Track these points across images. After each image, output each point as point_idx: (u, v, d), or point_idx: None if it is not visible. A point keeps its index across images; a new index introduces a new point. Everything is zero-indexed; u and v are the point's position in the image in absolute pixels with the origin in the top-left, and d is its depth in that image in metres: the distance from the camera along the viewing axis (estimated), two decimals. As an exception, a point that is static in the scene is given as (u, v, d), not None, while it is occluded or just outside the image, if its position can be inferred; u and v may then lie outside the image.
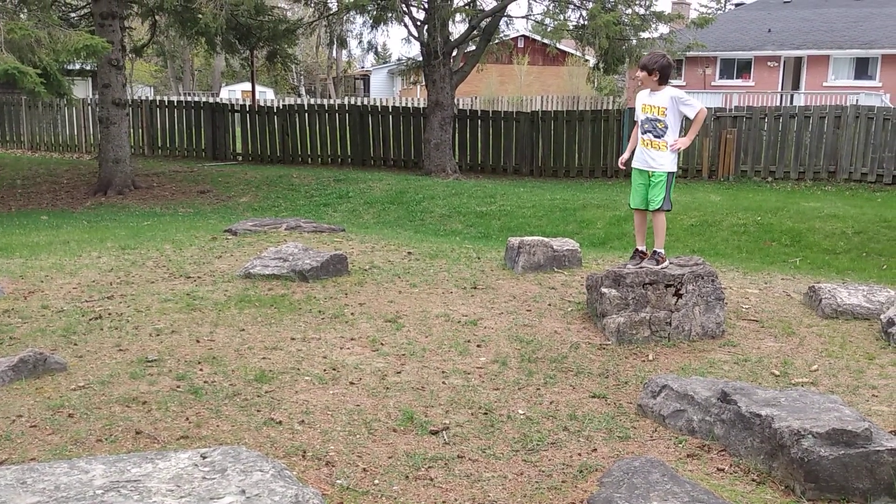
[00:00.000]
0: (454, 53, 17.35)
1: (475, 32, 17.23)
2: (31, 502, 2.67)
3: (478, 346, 5.08)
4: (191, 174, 17.11)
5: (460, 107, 20.31)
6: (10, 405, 3.82)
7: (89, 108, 21.46)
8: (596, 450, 3.69)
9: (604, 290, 5.35)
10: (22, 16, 12.88)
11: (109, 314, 5.44)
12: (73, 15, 18.16)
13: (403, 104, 23.36)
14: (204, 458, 3.02)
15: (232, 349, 4.78)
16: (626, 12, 16.24)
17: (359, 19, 17.63)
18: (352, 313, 5.66)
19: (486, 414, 4.05)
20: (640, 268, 5.42)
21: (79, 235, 9.21)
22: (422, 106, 19.73)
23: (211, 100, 25.97)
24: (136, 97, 23.61)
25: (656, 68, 5.38)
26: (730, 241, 10.62)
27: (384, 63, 49.31)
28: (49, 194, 15.37)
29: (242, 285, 6.30)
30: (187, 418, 3.75)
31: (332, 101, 27.56)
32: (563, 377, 4.61)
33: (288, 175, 16.47)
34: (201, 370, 4.40)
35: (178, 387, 4.13)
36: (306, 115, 19.50)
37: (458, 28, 17.90)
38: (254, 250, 7.72)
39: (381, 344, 5.03)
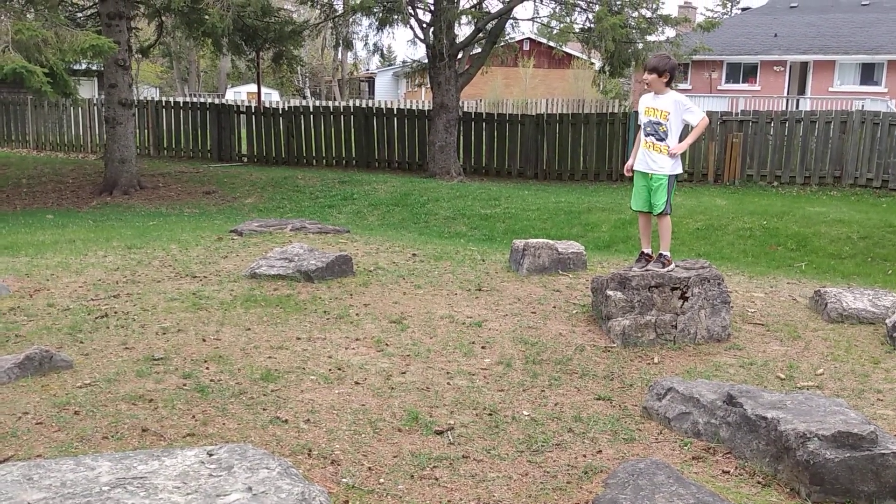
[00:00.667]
0: (460, 56, 17.37)
1: (481, 35, 17.25)
2: (37, 498, 2.67)
3: (482, 347, 5.08)
4: (196, 175, 17.15)
5: (465, 109, 20.33)
6: (15, 402, 3.83)
7: (95, 108, 21.52)
8: (601, 451, 3.68)
9: (609, 292, 5.35)
10: (29, 16, 12.92)
11: (116, 313, 5.45)
12: (79, 15, 18.22)
13: (408, 106, 23.38)
14: (210, 455, 3.03)
15: (238, 348, 4.79)
16: (633, 15, 16.25)
17: (365, 21, 17.68)
18: (357, 314, 5.66)
19: (490, 415, 4.05)
20: (646, 270, 5.42)
21: (84, 234, 9.23)
22: (427, 108, 19.75)
23: (216, 101, 26.04)
24: (141, 98, 23.67)
25: (667, 70, 5.38)
26: (735, 245, 10.61)
27: (389, 65, 49.36)
28: (54, 194, 15.41)
29: (248, 285, 6.31)
30: (193, 416, 3.76)
31: (337, 103, 27.60)
32: (568, 379, 4.61)
33: (293, 176, 16.50)
34: (207, 369, 4.41)
35: (185, 385, 4.13)
36: (311, 116, 19.53)
37: (463, 30, 17.96)
38: (259, 251, 7.73)
39: (386, 344, 5.03)
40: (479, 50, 17.86)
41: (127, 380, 4.18)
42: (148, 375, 4.25)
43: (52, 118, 22.26)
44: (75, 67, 17.53)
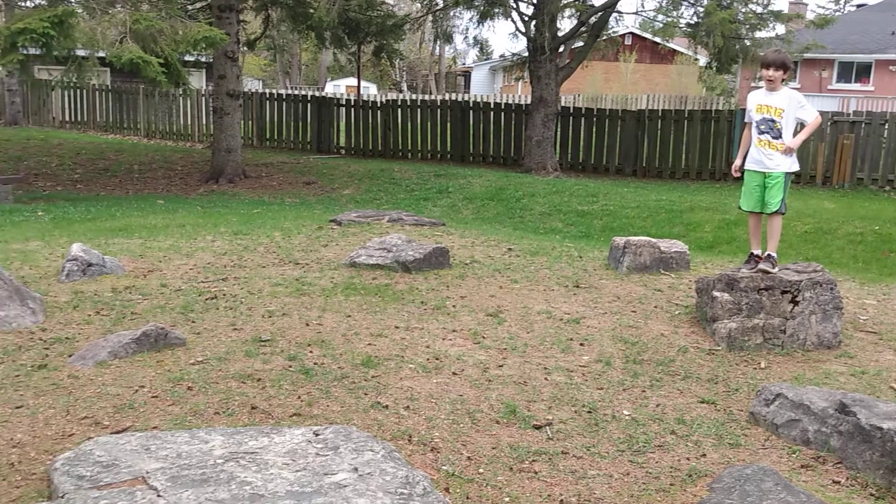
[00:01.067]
0: (561, 49, 17.19)
1: (583, 28, 17.03)
2: (154, 468, 2.80)
3: (581, 344, 5.03)
4: (297, 165, 17.58)
5: (563, 104, 20.14)
6: (133, 376, 4.02)
7: (203, 98, 22.33)
8: (705, 455, 3.60)
9: (716, 293, 5.21)
10: (144, 7, 13.48)
11: (224, 295, 5.65)
12: (190, 7, 18.91)
13: (505, 101, 23.34)
14: (317, 435, 3.11)
15: (339, 334, 4.89)
16: (743, 10, 15.73)
17: (466, 14, 17.75)
18: (453, 306, 5.69)
19: (589, 412, 4.00)
20: (756, 272, 5.25)
21: (193, 220, 9.59)
22: (523, 102, 19.66)
23: (317, 94, 26.62)
24: (246, 90, 24.42)
25: (790, 66, 5.28)
26: (845, 251, 10.15)
27: (486, 60, 49.44)
28: (164, 180, 16.07)
29: (348, 273, 6.44)
30: (299, 397, 3.86)
31: (433, 97, 27.78)
32: (670, 380, 4.51)
33: (389, 169, 16.70)
34: (311, 352, 4.52)
35: (290, 366, 4.25)
36: (408, 110, 19.72)
37: (566, 23, 17.76)
38: (358, 240, 7.87)
39: (483, 337, 5.04)
40: (581, 44, 17.63)
41: (236, 359, 4.33)
42: (256, 356, 4.39)
43: (162, 108, 23.21)
44: (185, 59, 18.24)
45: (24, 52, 10.88)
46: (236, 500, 2.52)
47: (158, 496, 2.54)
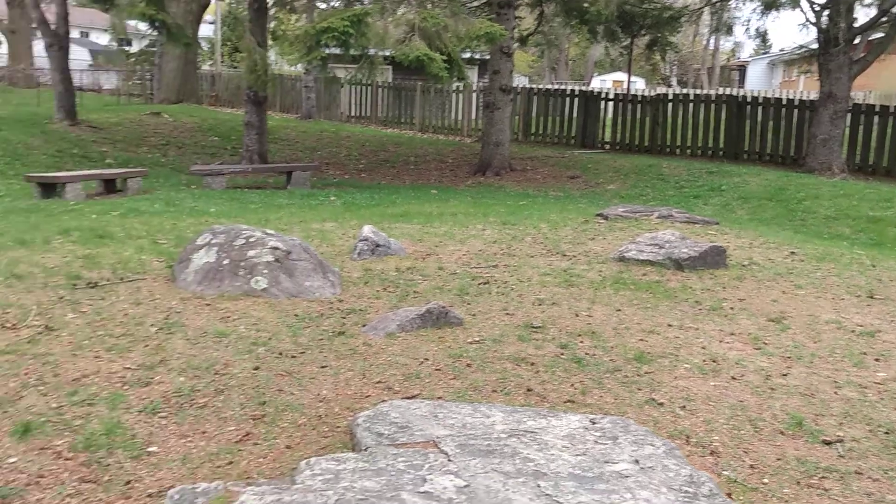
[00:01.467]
0: (856, 41, 15.70)
1: (884, 18, 15.41)
2: (442, 434, 2.97)
3: (876, 359, 4.58)
4: (561, 160, 17.71)
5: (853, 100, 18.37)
6: (418, 349, 4.30)
7: (472, 94, 23.22)
8: None
9: None
10: (428, 6, 14.27)
11: (496, 281, 5.85)
12: (469, 5, 19.70)
13: (786, 96, 21.76)
14: (593, 423, 3.13)
15: (609, 327, 4.87)
16: None
17: (748, 5, 16.81)
18: (731, 308, 5.44)
19: (887, 433, 3.63)
20: None
21: (464, 209, 10.02)
22: (806, 98, 18.21)
23: (583, 89, 26.60)
24: (513, 85, 24.96)
25: None
26: None
27: (764, 53, 46.41)
28: (436, 171, 16.95)
29: (616, 268, 6.39)
30: (572, 384, 3.90)
31: (706, 91, 26.60)
32: None
33: (657, 165, 16.28)
34: (581, 342, 4.54)
35: (562, 354, 4.31)
36: (679, 105, 19.05)
37: (862, 13, 16.20)
38: (625, 235, 7.77)
39: (764, 343, 4.77)
40: (881, 35, 15.96)
41: (510, 342, 4.47)
42: (528, 341, 4.50)
43: (435, 103, 24.46)
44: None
45: (325, 50, 11.99)
46: (521, 475, 2.61)
47: (449, 460, 2.70)
